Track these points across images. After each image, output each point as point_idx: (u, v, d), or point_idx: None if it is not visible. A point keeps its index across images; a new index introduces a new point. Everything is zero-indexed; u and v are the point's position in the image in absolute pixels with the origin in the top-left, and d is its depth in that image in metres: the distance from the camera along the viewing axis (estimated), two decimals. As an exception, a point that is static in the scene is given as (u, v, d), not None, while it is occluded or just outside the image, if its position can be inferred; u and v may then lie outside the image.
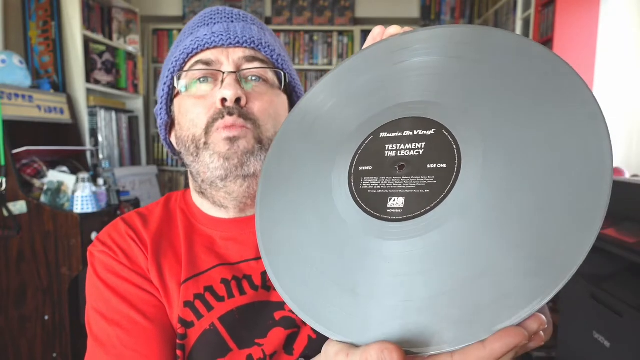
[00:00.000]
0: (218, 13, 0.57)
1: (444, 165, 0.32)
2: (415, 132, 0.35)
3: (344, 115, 0.41)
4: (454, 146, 0.32)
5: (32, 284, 1.58)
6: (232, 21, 0.56)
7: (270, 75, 0.56)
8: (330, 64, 3.09)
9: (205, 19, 0.57)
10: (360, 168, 0.37)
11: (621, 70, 1.93)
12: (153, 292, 0.53)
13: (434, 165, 0.33)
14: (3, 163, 1.53)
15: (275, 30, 3.03)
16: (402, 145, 0.35)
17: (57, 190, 1.64)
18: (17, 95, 1.66)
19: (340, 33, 3.07)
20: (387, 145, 0.36)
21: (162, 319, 0.52)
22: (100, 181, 1.80)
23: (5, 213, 1.53)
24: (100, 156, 2.21)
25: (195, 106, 0.53)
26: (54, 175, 1.66)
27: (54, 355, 1.60)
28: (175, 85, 0.55)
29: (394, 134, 0.36)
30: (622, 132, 1.93)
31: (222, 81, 0.52)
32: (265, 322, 0.52)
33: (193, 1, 2.91)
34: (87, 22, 2.16)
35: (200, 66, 0.53)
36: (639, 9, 1.87)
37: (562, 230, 0.27)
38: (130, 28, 2.57)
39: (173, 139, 0.60)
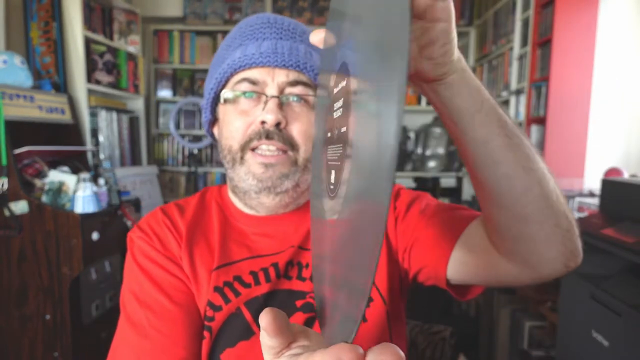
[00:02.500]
0: (269, 26, 0.59)
1: (344, 129, 0.28)
2: (340, 86, 0.31)
3: None
4: (351, 101, 0.27)
5: (33, 283, 1.59)
6: (281, 38, 0.58)
7: (311, 97, 0.58)
8: (330, 64, 3.09)
9: (255, 32, 0.59)
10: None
11: (620, 70, 1.94)
12: (183, 279, 0.57)
13: (343, 129, 0.28)
14: (5, 163, 1.53)
15: (275, 31, 3.03)
16: (339, 103, 0.31)
17: (58, 190, 1.65)
18: (18, 96, 1.66)
19: (341, 34, 3.07)
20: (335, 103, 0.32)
21: (188, 304, 0.56)
22: (101, 181, 1.80)
23: (7, 213, 1.53)
24: (101, 156, 2.21)
25: (236, 119, 0.57)
26: (55, 175, 1.66)
27: (55, 354, 1.60)
28: (221, 95, 0.59)
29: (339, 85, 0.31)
30: (621, 132, 1.94)
31: (265, 102, 0.55)
32: (287, 309, 0.56)
33: (194, 2, 2.92)
34: (88, 23, 2.16)
35: (245, 84, 0.56)
36: (637, 9, 1.88)
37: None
38: (131, 29, 2.58)
39: (215, 131, 0.65)
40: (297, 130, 0.56)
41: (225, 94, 0.58)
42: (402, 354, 0.21)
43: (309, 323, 0.55)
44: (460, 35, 2.99)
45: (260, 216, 0.62)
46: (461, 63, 0.39)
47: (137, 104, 2.69)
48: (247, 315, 0.54)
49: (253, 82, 0.56)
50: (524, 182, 0.42)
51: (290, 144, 0.56)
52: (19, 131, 1.65)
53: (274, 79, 0.55)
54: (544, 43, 2.05)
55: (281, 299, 0.57)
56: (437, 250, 0.56)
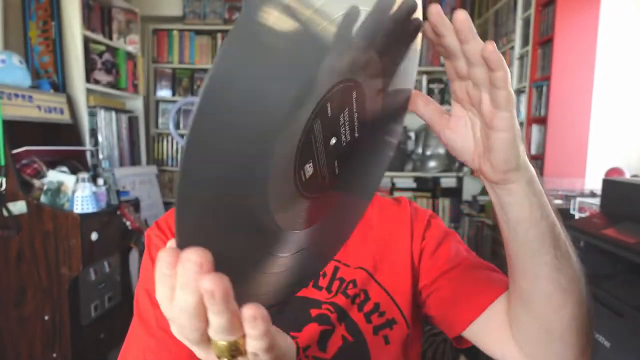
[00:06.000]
0: None
1: None
2: None
3: None
4: None
5: (32, 284, 1.58)
6: None
7: None
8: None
9: None
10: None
11: (621, 69, 1.93)
12: None
13: None
14: (3, 163, 1.53)
15: (275, 30, 3.03)
16: None
17: (57, 190, 1.64)
18: (17, 96, 1.66)
19: (341, 33, 3.07)
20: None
21: None
22: (100, 181, 1.80)
23: (5, 213, 1.53)
24: (100, 156, 2.21)
25: None
26: (54, 176, 1.66)
27: (54, 355, 1.60)
28: None
29: None
30: (622, 132, 1.93)
31: None
32: (301, 317, 0.56)
33: (193, 1, 2.91)
34: (87, 22, 2.16)
35: None
36: (638, 8, 1.87)
37: None
38: (130, 28, 2.57)
39: None
40: None
41: None
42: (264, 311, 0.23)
43: (324, 336, 0.55)
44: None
45: None
46: (527, 174, 0.38)
47: (136, 104, 2.69)
48: None
49: None
50: (560, 302, 0.43)
51: None
52: (18, 131, 1.64)
53: None
54: (545, 42, 2.04)
55: (296, 306, 0.57)
56: (459, 310, 0.55)
